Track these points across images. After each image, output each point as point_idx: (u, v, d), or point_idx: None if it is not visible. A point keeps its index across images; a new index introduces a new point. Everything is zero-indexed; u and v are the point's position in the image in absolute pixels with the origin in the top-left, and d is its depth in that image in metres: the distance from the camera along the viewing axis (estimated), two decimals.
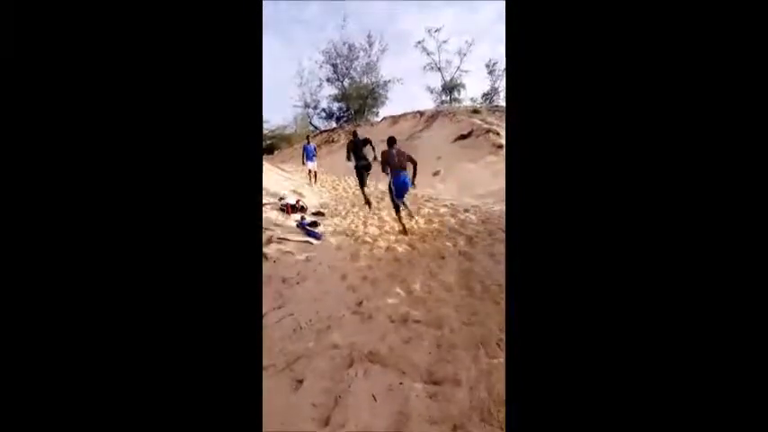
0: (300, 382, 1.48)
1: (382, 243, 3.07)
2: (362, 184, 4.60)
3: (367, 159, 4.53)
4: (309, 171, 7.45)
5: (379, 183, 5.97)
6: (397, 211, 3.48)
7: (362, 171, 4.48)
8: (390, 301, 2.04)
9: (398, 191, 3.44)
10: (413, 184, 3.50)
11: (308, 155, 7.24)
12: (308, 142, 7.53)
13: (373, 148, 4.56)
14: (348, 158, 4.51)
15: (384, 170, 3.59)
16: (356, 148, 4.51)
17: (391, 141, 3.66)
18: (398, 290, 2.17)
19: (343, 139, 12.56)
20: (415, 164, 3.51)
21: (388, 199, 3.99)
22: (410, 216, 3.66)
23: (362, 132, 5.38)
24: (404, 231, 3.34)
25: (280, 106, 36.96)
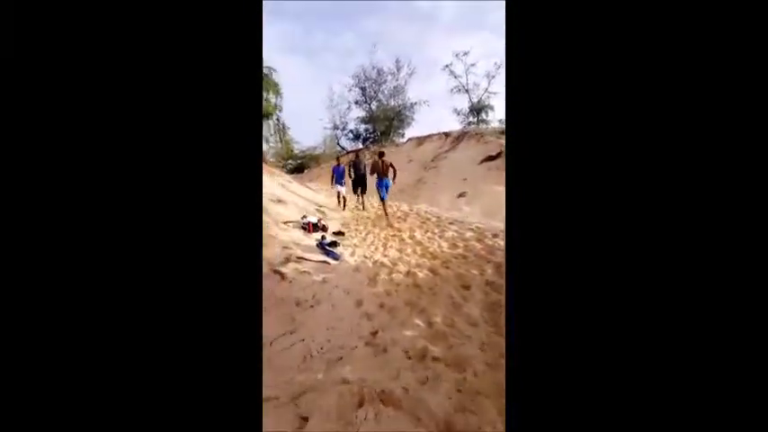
0: (305, 419, 1.35)
1: (402, 267, 2.93)
2: (355, 191, 6.54)
3: (363, 171, 6.37)
4: (339, 194, 6.66)
5: (403, 203, 6.26)
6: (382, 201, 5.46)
7: (359, 182, 6.47)
8: (408, 333, 1.88)
9: (383, 189, 5.32)
10: (393, 182, 5.53)
11: (337, 177, 6.53)
12: (338, 164, 6.74)
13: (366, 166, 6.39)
14: (350, 175, 6.49)
15: (372, 174, 5.50)
16: (356, 166, 6.46)
17: (381, 154, 5.53)
18: (417, 321, 2.01)
19: (368, 159, 12.81)
20: (395, 170, 5.48)
21: (410, 219, 5.28)
22: (385, 214, 5.33)
23: (387, 153, 6.54)
24: (386, 216, 5.22)
25: (311, 128, 38.76)
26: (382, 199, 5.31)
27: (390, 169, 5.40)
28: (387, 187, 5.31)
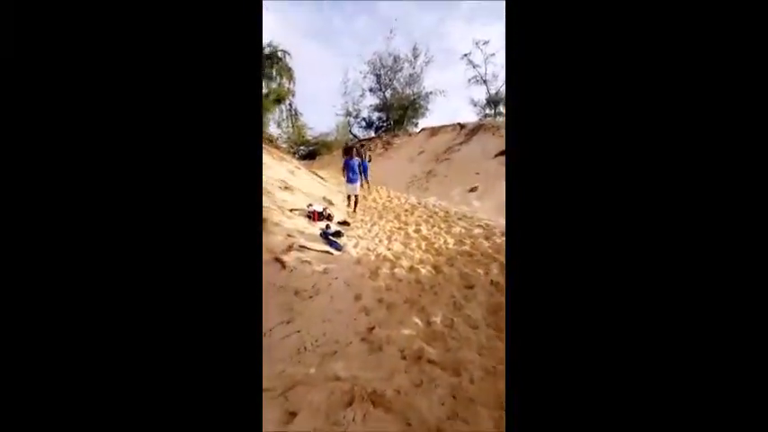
0: (293, 414, 1.33)
1: (405, 262, 2.87)
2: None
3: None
4: (349, 197, 5.25)
5: (411, 196, 6.13)
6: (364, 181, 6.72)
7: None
8: (405, 332, 1.83)
9: (364, 171, 6.72)
10: (369, 160, 8.02)
11: (350, 174, 5.01)
12: (351, 156, 5.24)
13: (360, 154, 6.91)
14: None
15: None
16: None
17: (362, 145, 8.89)
18: (416, 319, 1.95)
19: (380, 149, 12.74)
20: (370, 157, 8.17)
21: (417, 213, 5.15)
22: (367, 188, 7.31)
23: (399, 143, 6.70)
24: (368, 187, 7.38)
25: (325, 114, 38.52)
26: (365, 179, 7.18)
27: (367, 154, 7.85)
28: (365, 168, 7.04)
